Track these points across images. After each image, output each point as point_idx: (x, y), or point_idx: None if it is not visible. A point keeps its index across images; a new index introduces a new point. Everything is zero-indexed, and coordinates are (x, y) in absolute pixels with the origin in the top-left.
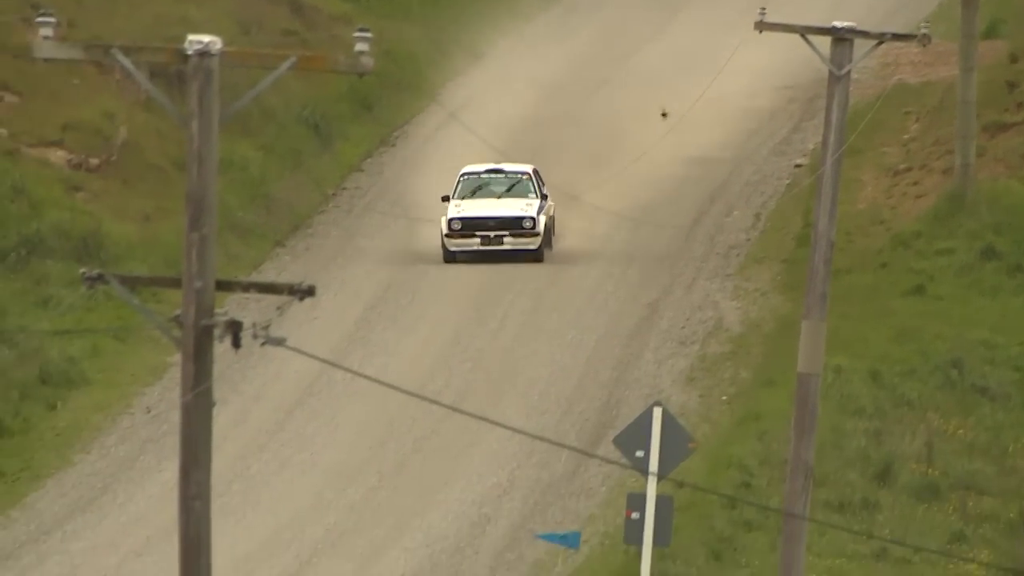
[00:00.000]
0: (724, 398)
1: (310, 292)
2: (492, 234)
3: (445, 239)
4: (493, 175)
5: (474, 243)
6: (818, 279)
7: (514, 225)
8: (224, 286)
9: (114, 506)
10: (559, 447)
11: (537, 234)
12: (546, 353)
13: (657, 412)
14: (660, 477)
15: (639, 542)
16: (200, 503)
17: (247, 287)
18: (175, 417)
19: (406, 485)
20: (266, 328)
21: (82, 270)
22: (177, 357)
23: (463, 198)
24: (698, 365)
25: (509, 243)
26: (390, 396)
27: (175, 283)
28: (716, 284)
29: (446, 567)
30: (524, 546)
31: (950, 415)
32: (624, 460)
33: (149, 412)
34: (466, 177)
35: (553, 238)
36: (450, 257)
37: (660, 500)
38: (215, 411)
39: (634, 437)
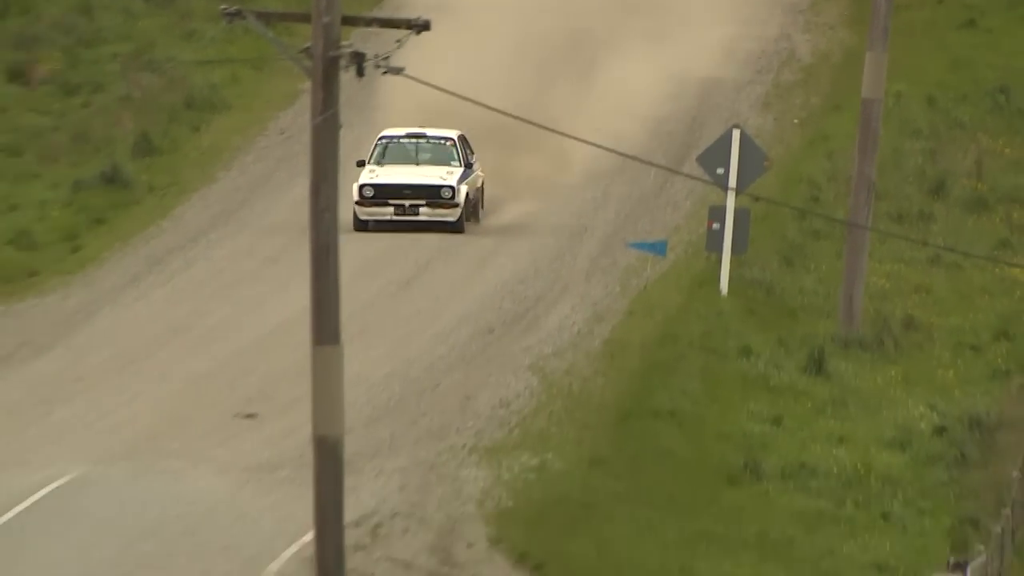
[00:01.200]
0: (795, 121)
1: (426, 27)
2: (407, 203)
3: (356, 207)
4: (414, 140)
5: (387, 212)
6: (881, 14)
7: (432, 194)
8: (349, 21)
9: (252, 217)
10: (648, 165)
11: (456, 205)
12: (644, 82)
13: (736, 134)
14: (738, 191)
15: (719, 249)
16: (329, 214)
17: (369, 22)
18: (305, 138)
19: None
20: (386, 59)
21: (222, 6)
22: (307, 85)
23: (380, 163)
24: (772, 92)
25: (425, 214)
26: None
27: (305, 18)
28: (790, 19)
29: (547, 272)
30: (617, 253)
31: (998, 136)
32: (706, 177)
33: (282, 134)
34: (384, 141)
35: (481, 210)
36: (361, 226)
37: (738, 212)
38: (341, 133)
39: (715, 156)
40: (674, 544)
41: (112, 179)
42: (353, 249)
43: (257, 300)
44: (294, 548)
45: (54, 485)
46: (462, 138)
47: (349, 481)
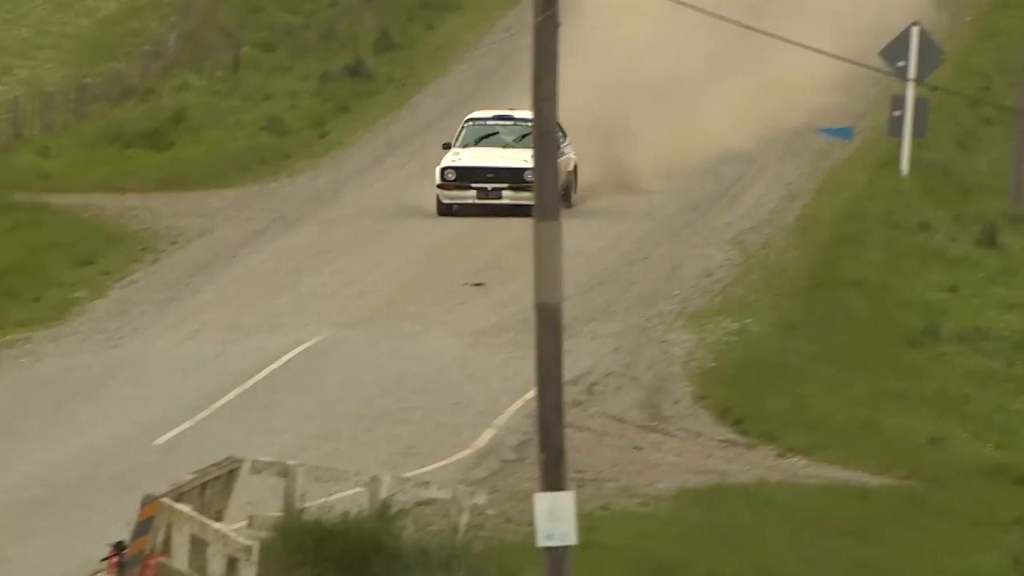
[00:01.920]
0: (968, 19)
1: None
2: (490, 187)
3: (438, 190)
4: (501, 122)
5: (470, 196)
6: None
7: (514, 178)
8: None
9: (481, 105)
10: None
11: None
12: None
13: (914, 30)
14: (917, 82)
15: (900, 134)
16: (548, 104)
17: None
18: (528, 36)
19: None
20: None
21: None
22: None
23: (465, 146)
24: None
25: (508, 197)
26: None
27: None
28: None
29: (745, 155)
30: (808, 139)
31: None
32: (888, 68)
33: (508, 31)
34: (471, 123)
35: (574, 195)
36: (445, 210)
37: (918, 100)
38: (559, 31)
39: (896, 50)
40: (860, 400)
41: (356, 72)
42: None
43: None
44: (518, 404)
45: (304, 346)
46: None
47: (567, 344)
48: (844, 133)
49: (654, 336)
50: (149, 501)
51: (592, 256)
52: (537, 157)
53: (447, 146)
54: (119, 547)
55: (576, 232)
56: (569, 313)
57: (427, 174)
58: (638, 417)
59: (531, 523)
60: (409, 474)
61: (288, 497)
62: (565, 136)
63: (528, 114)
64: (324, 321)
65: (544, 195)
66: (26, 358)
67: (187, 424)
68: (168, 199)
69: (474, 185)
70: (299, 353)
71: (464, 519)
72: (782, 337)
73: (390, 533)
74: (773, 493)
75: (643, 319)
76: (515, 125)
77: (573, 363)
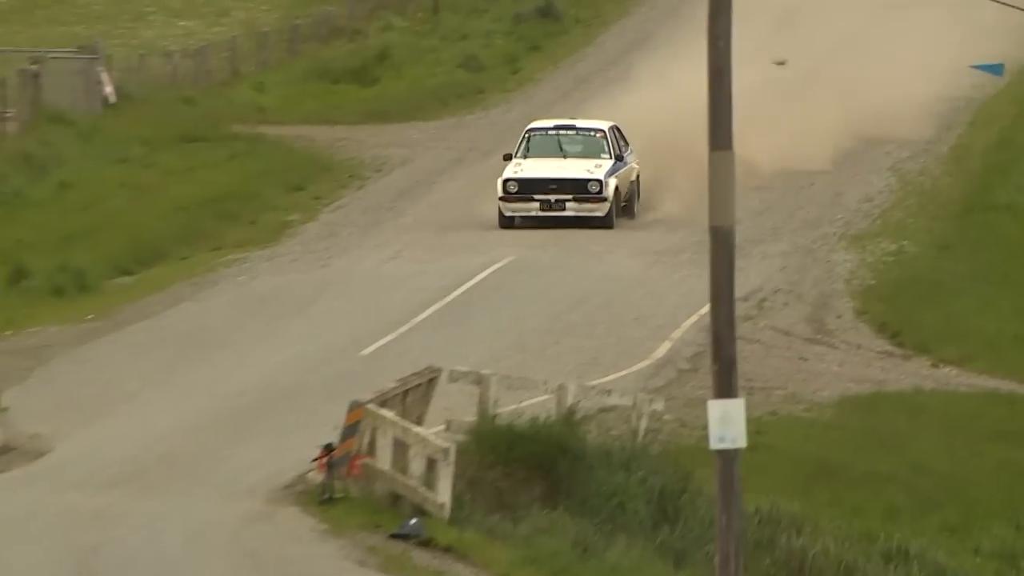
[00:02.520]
0: None
1: None
2: (553, 198)
3: (500, 202)
4: (563, 132)
5: (533, 208)
6: None
7: (578, 188)
8: None
9: (662, 42)
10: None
11: (604, 199)
12: None
13: None
14: None
15: None
16: (723, 41)
17: None
18: None
19: None
20: None
21: None
22: None
23: (526, 157)
24: None
25: (572, 209)
26: None
27: None
28: None
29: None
30: (962, 76)
31: None
32: None
33: None
34: (532, 134)
35: (637, 204)
36: (506, 223)
37: None
38: None
39: None
40: (1009, 315)
41: (546, 13)
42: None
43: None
44: (693, 318)
45: (496, 266)
46: (614, 129)
47: (738, 263)
48: (995, 69)
49: (818, 256)
50: (355, 407)
51: (762, 183)
52: (712, 93)
53: (508, 157)
54: (328, 449)
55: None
56: (741, 235)
57: (611, 109)
58: (803, 330)
59: (704, 427)
60: (593, 383)
61: (482, 404)
62: (628, 145)
63: (590, 123)
64: (515, 243)
65: (719, 126)
66: (243, 276)
67: (390, 337)
68: (373, 131)
69: (537, 197)
70: (492, 272)
71: (643, 424)
72: (936, 257)
73: (575, 437)
74: (927, 400)
75: (808, 241)
76: (576, 135)
77: (744, 281)
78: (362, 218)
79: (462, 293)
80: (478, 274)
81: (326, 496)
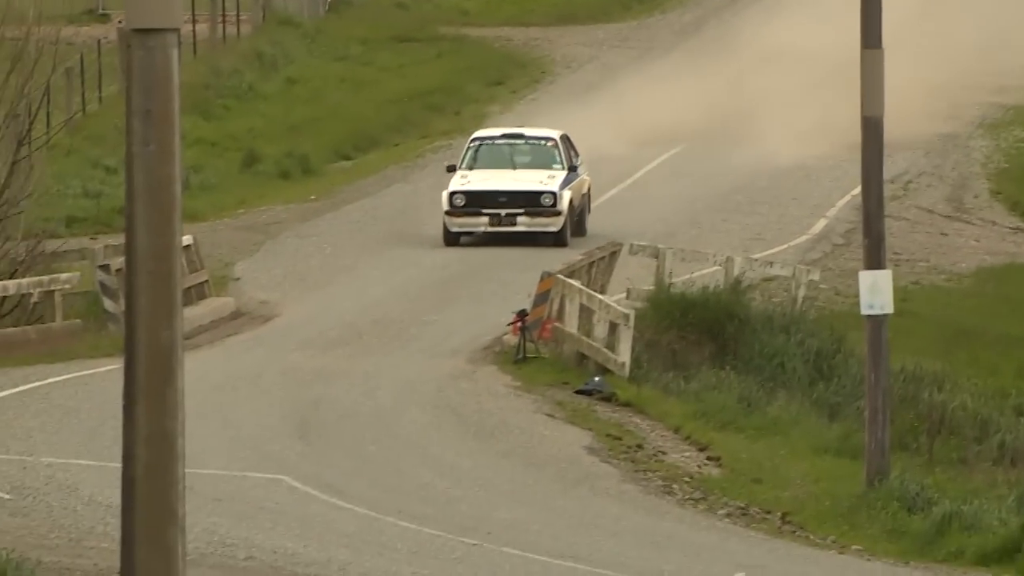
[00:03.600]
0: None
1: None
2: (503, 212)
3: (446, 217)
4: (512, 141)
5: (481, 223)
6: None
7: (530, 202)
8: None
9: None
10: None
11: (558, 213)
12: None
13: None
14: None
15: None
16: None
17: None
18: None
19: None
20: None
21: None
22: None
23: (472, 168)
24: None
25: (523, 224)
26: None
27: None
28: None
29: None
30: None
31: None
32: None
33: None
34: (478, 143)
35: (587, 218)
36: (451, 239)
37: None
38: None
39: None
40: None
41: None
42: None
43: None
44: (846, 198)
45: (670, 152)
46: (565, 138)
47: (887, 151)
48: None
49: (958, 143)
50: (546, 277)
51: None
52: None
53: (452, 168)
54: (522, 314)
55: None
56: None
57: (784, 17)
58: (944, 209)
59: (856, 295)
60: (757, 255)
61: (659, 274)
62: (578, 155)
63: (540, 132)
64: (687, 131)
65: (869, 26)
66: (448, 160)
67: None
68: (563, 32)
69: (486, 211)
70: (667, 158)
71: (801, 292)
72: None
73: (741, 304)
74: None
75: (950, 129)
76: (526, 144)
77: (891, 165)
78: (553, 110)
79: (640, 176)
80: (654, 160)
81: (520, 356)
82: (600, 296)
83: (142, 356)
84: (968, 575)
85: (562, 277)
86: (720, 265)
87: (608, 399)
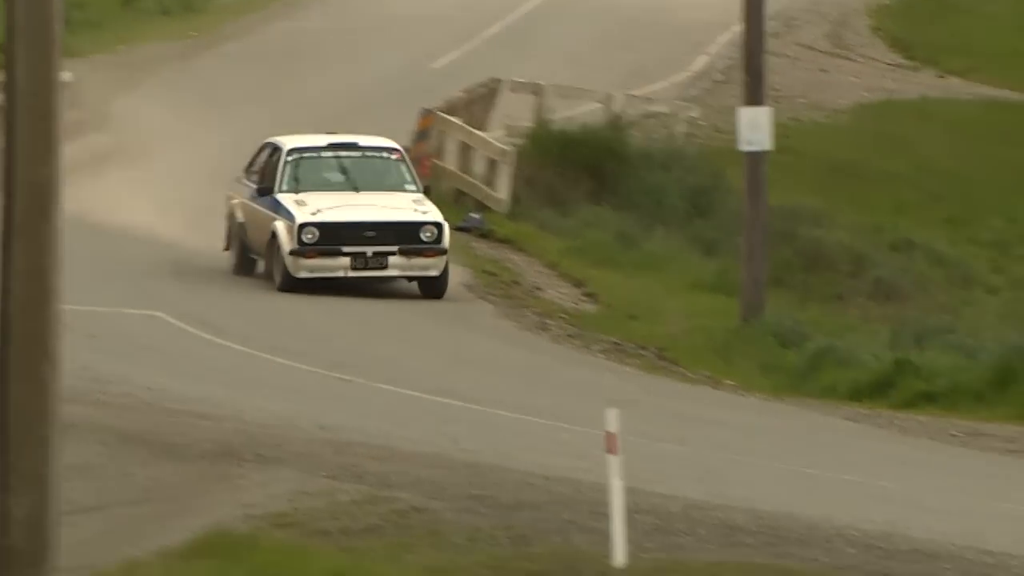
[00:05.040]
0: None
1: None
2: (370, 251)
3: (291, 259)
4: (341, 153)
5: (340, 266)
6: None
7: (406, 237)
8: None
9: None
10: None
11: (442, 252)
12: None
13: None
14: None
15: None
16: None
17: None
18: None
19: None
20: None
21: None
22: None
23: (297, 191)
24: None
25: (397, 266)
26: None
27: None
28: None
29: None
30: None
31: None
32: None
33: None
34: (296, 157)
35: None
36: (290, 285)
37: None
38: None
39: None
40: (1010, 30)
41: None
42: None
43: None
44: (727, 35)
45: None
46: (406, 152)
47: None
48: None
49: None
50: (426, 114)
51: None
52: None
53: (265, 191)
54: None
55: None
56: None
57: None
58: (824, 45)
59: (735, 132)
60: (637, 92)
61: (539, 111)
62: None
63: (377, 141)
64: None
65: None
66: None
67: (458, 52)
68: None
69: (347, 250)
70: None
71: (681, 128)
72: None
73: (621, 141)
74: (933, 107)
75: None
76: (363, 157)
77: (773, 1)
78: None
79: (523, 14)
80: None
81: None
82: (479, 133)
83: (20, 192)
84: (841, 409)
85: (441, 114)
86: (600, 102)
87: (485, 235)
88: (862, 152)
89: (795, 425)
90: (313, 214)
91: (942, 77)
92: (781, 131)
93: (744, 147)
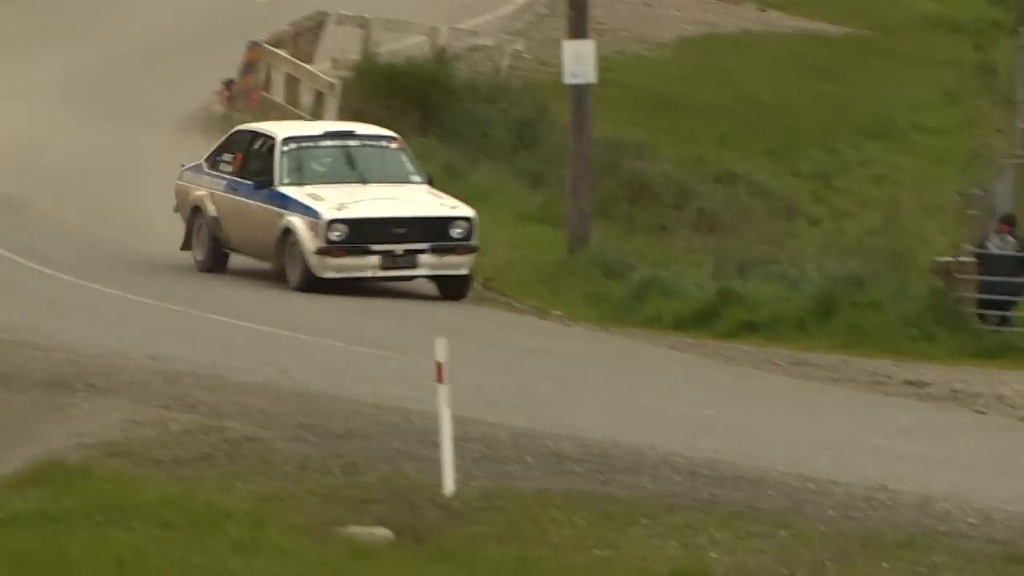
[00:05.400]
0: None
1: None
2: (400, 249)
3: (317, 258)
4: (340, 143)
5: (369, 265)
6: None
7: (436, 234)
8: None
9: None
10: None
11: (472, 250)
12: None
13: None
14: None
15: None
16: None
17: None
18: None
19: None
20: None
21: None
22: None
23: (301, 183)
24: None
25: (427, 265)
26: None
27: None
28: None
29: None
30: None
31: None
32: None
33: None
34: (295, 147)
35: None
36: (311, 284)
37: None
38: None
39: None
40: None
41: None
42: None
43: None
44: None
45: None
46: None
47: None
48: None
49: None
50: (253, 47)
51: None
52: None
53: (264, 185)
54: (229, 83)
55: None
56: None
57: None
58: None
59: (559, 65)
60: (462, 25)
61: (365, 44)
62: None
63: (373, 129)
64: None
65: None
66: None
67: None
68: None
69: (376, 248)
70: None
71: (506, 62)
72: None
73: (446, 73)
74: (754, 41)
75: None
76: (363, 147)
77: None
78: None
79: None
80: None
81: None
82: (306, 66)
83: None
84: (666, 339)
85: (268, 47)
86: (426, 35)
87: None
88: (685, 85)
89: (621, 355)
90: (339, 209)
91: (763, 10)
92: (605, 64)
93: (568, 80)
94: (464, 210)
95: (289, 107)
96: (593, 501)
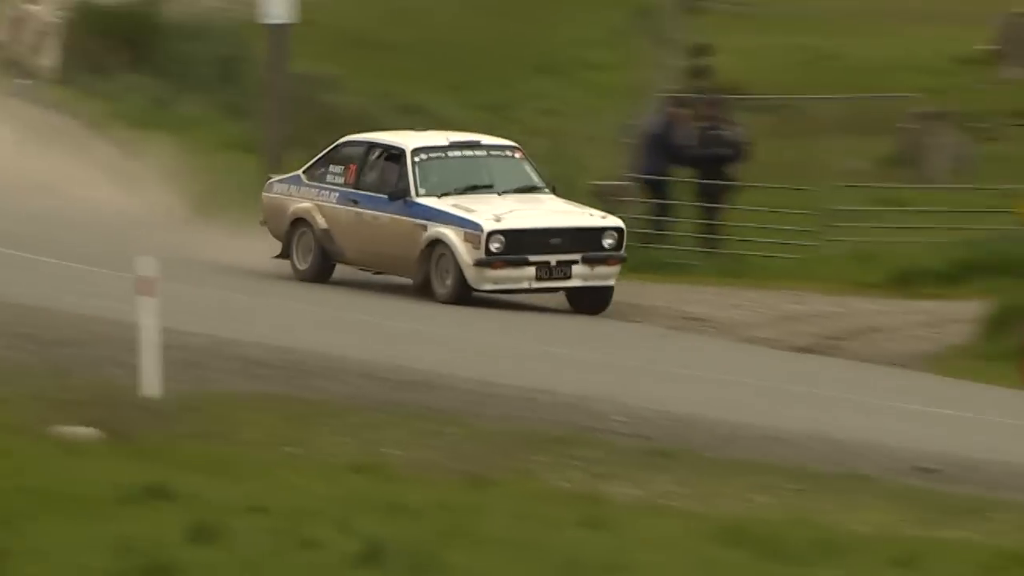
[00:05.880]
0: None
1: None
2: (554, 260)
3: (475, 270)
4: (467, 153)
5: (525, 276)
6: None
7: (589, 243)
8: None
9: None
10: None
11: (624, 260)
12: None
13: None
14: None
15: None
16: None
17: None
18: None
19: None
20: None
21: None
22: None
23: (435, 193)
24: None
25: (580, 275)
26: None
27: None
28: None
29: None
30: None
31: None
32: None
33: None
34: (425, 158)
35: None
36: (464, 297)
37: None
38: None
39: None
40: None
41: None
42: None
43: None
44: None
45: None
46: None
47: None
48: None
49: None
50: None
51: None
52: None
53: (399, 195)
54: None
55: None
56: None
57: None
58: None
59: (256, 5)
60: None
61: None
62: None
63: (494, 140)
64: None
65: None
66: None
67: None
68: None
69: (533, 259)
70: None
71: (211, 3)
72: None
73: (156, 13)
74: None
75: None
76: (489, 156)
77: None
78: None
79: None
80: None
81: None
82: (29, 6)
83: None
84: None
85: None
86: None
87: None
88: (375, 24)
89: None
90: (497, 221)
91: None
92: (303, 5)
93: (267, 20)
94: (614, 220)
95: (12, 44)
96: (285, 403)
